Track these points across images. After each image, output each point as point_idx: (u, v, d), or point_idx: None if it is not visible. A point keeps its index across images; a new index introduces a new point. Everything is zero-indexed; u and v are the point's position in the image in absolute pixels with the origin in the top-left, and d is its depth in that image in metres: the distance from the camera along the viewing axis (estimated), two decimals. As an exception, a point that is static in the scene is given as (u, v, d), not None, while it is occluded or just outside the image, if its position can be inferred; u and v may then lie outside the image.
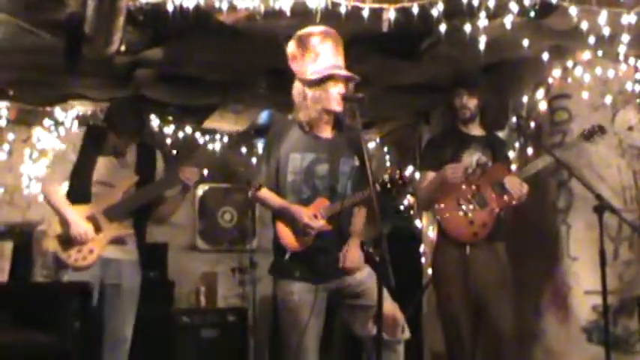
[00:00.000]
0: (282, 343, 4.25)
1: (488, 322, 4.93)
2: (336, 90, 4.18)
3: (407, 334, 4.27)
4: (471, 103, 5.15)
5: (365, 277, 4.25)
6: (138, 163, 5.07)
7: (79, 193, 4.91)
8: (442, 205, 5.04)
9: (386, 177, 4.07)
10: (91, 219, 4.81)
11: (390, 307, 4.14)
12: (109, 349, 4.86)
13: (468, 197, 5.00)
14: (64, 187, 4.96)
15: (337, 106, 4.21)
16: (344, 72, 4.21)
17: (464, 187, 4.99)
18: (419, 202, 5.56)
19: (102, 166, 4.94)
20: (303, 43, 4.24)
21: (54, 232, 4.81)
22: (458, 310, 4.92)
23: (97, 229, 4.81)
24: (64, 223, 4.77)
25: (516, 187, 4.93)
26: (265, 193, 4.28)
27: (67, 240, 4.75)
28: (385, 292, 3.85)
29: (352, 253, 4.24)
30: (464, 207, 4.99)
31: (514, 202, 4.96)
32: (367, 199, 4.05)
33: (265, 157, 4.34)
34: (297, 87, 4.30)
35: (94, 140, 5.00)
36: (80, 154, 4.95)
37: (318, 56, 4.20)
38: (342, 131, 4.35)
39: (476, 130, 5.22)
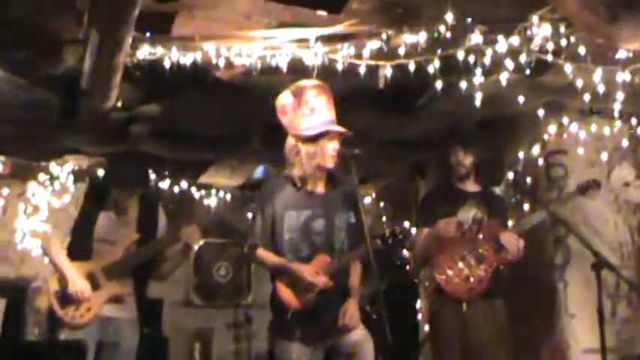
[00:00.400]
0: None
1: None
2: (331, 146, 4.15)
3: None
4: (467, 159, 5.15)
5: (360, 338, 4.18)
6: (139, 220, 5.03)
7: (79, 250, 4.86)
8: (438, 262, 5.02)
9: (387, 232, 4.06)
10: (90, 276, 4.75)
11: None
12: None
13: (465, 253, 4.98)
14: (66, 243, 4.93)
15: (331, 163, 4.19)
16: (339, 128, 4.18)
17: (460, 243, 4.97)
18: (415, 259, 5.53)
19: (103, 222, 4.90)
20: (297, 95, 4.19)
21: (52, 289, 4.75)
22: None
23: (96, 286, 4.75)
24: (63, 279, 4.72)
25: (513, 242, 4.90)
26: (262, 252, 4.24)
27: (65, 297, 4.69)
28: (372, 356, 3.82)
29: (351, 311, 4.18)
30: (460, 263, 4.96)
31: (511, 258, 4.93)
32: (365, 255, 4.02)
33: (260, 216, 4.28)
34: (290, 142, 4.25)
35: (95, 196, 4.98)
36: (81, 210, 4.92)
37: (313, 110, 4.16)
38: (335, 186, 4.32)
39: (471, 186, 5.21)
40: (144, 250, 4.90)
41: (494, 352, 4.88)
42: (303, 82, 4.27)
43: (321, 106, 4.17)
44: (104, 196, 4.96)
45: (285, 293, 4.13)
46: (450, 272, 4.97)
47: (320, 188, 4.29)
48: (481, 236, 4.96)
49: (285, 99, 4.25)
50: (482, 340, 4.85)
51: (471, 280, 4.92)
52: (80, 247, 4.86)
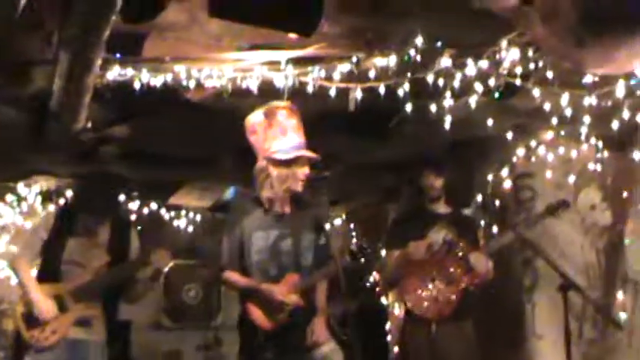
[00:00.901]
0: None
1: None
2: (302, 171, 4.19)
3: None
4: (438, 183, 5.20)
5: (329, 351, 4.19)
6: (110, 243, 5.00)
7: (48, 272, 4.85)
8: (408, 283, 5.04)
9: (354, 247, 4.09)
10: (57, 298, 4.72)
11: None
12: None
13: (434, 275, 5.01)
14: (34, 264, 4.89)
15: (300, 187, 4.21)
16: (311, 154, 4.20)
17: (429, 264, 5.00)
18: (384, 281, 5.55)
19: (73, 244, 4.87)
20: (269, 115, 4.22)
21: (18, 311, 4.71)
22: None
23: (63, 309, 4.72)
24: (29, 301, 4.69)
25: (481, 263, 4.95)
26: (230, 274, 4.25)
27: (31, 319, 4.65)
28: None
29: (319, 329, 4.17)
30: (429, 285, 4.99)
31: (480, 279, 4.97)
32: (334, 274, 4.02)
33: (227, 237, 4.30)
34: (260, 164, 4.25)
35: (64, 221, 4.95)
36: (51, 233, 4.89)
37: (285, 132, 4.18)
38: (301, 208, 4.32)
39: (442, 208, 5.26)
40: (113, 273, 4.87)
41: None
42: (275, 103, 4.30)
43: (293, 128, 4.20)
44: (73, 221, 4.93)
45: (256, 314, 4.12)
46: (418, 294, 4.99)
47: (287, 209, 4.30)
48: (450, 258, 4.99)
49: (256, 118, 4.27)
50: None
51: (440, 301, 4.95)
52: (49, 269, 4.84)
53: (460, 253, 4.99)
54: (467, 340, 5.03)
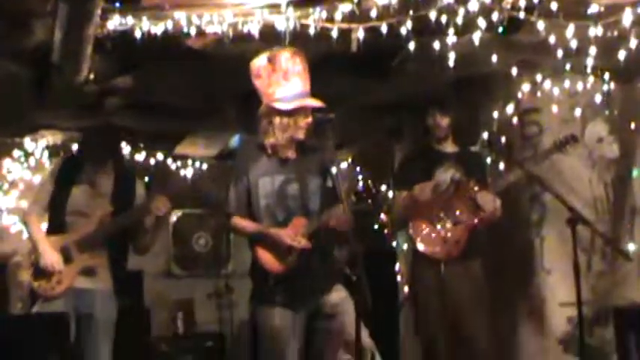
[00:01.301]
0: None
1: (466, 341, 4.94)
2: (305, 121, 4.18)
3: None
4: (444, 121, 5.18)
5: (340, 299, 4.19)
6: (114, 192, 5.02)
7: (55, 224, 4.89)
8: (416, 224, 5.06)
9: (360, 187, 4.10)
10: (63, 250, 4.77)
11: (363, 334, 4.11)
12: None
13: (441, 215, 5.02)
14: (44, 217, 4.94)
15: (303, 135, 4.22)
16: (314, 103, 4.18)
17: (437, 205, 5.01)
18: (392, 222, 5.57)
19: (77, 195, 4.89)
20: (272, 60, 4.19)
21: (27, 263, 4.78)
22: (435, 328, 4.92)
23: (68, 259, 4.77)
24: (36, 253, 4.75)
25: (489, 202, 4.95)
26: (238, 220, 4.28)
27: (39, 270, 4.71)
28: (353, 319, 3.85)
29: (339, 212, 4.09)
30: (437, 225, 5.01)
31: (488, 218, 4.98)
32: (341, 218, 4.03)
33: (234, 184, 4.31)
34: (263, 111, 4.26)
35: (68, 171, 4.97)
36: (55, 185, 4.92)
37: (288, 79, 4.16)
38: (306, 152, 4.33)
39: (449, 147, 5.25)
40: (116, 222, 4.89)
41: (473, 311, 4.95)
42: (280, 48, 4.27)
43: (296, 75, 4.18)
44: (77, 172, 4.95)
45: (266, 258, 4.16)
46: (427, 234, 5.02)
47: (292, 154, 4.31)
48: (458, 197, 5.00)
49: (260, 62, 4.24)
50: (460, 300, 4.92)
51: (448, 241, 4.97)
52: (56, 221, 4.88)
53: (468, 193, 5.00)
54: (475, 278, 5.06)
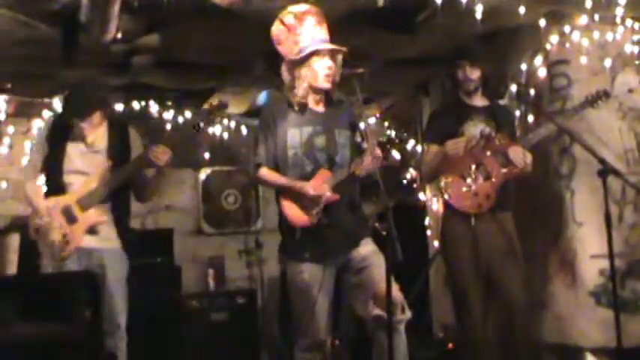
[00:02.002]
0: (294, 322, 4.26)
1: (499, 293, 4.95)
2: (322, 65, 4.20)
3: (408, 315, 4.22)
4: (475, 74, 5.14)
5: (369, 252, 4.23)
6: (109, 147, 4.93)
7: (53, 185, 4.83)
8: (446, 178, 5.06)
9: (383, 138, 4.10)
10: (65, 210, 4.73)
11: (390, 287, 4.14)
12: (105, 337, 4.82)
13: (472, 169, 5.01)
14: (41, 180, 4.90)
15: (325, 82, 4.23)
16: (326, 45, 4.20)
17: (468, 159, 5.00)
18: (422, 176, 5.57)
19: (73, 154, 4.83)
20: (284, 25, 4.26)
21: (33, 228, 4.77)
22: (467, 281, 4.94)
23: (72, 220, 4.73)
24: (39, 217, 4.74)
25: (519, 156, 4.93)
26: (266, 172, 4.30)
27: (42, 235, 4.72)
28: (383, 272, 3.87)
29: (367, 160, 4.13)
30: (468, 179, 5.00)
31: (518, 172, 4.97)
32: (368, 170, 4.05)
33: (262, 136, 4.34)
34: (283, 68, 4.32)
35: (59, 129, 4.90)
36: (48, 145, 4.87)
37: (302, 34, 4.21)
38: (334, 105, 4.36)
39: (479, 100, 5.22)
40: (116, 176, 4.81)
41: (504, 264, 4.95)
42: (291, 9, 4.29)
43: (309, 27, 4.21)
44: (68, 129, 4.88)
45: (292, 212, 4.20)
46: (457, 188, 5.02)
47: (320, 107, 4.34)
48: (489, 151, 4.99)
49: (276, 29, 4.31)
50: (491, 253, 4.93)
51: (479, 195, 4.97)
52: (54, 182, 4.82)
53: (498, 147, 4.98)
54: (507, 232, 5.05)
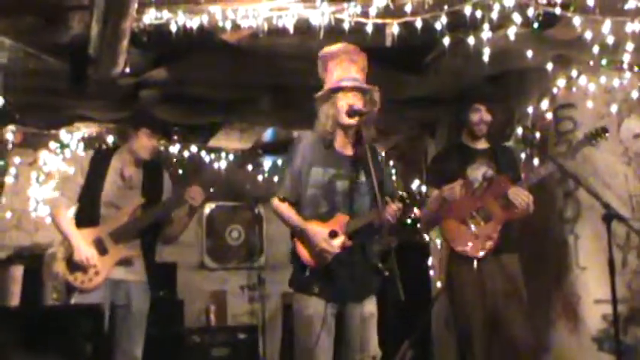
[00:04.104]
0: (296, 353, 4.23)
1: (503, 335, 4.93)
2: (345, 102, 4.19)
3: None
4: (488, 117, 5.14)
5: (370, 313, 4.23)
6: (144, 184, 5.09)
7: (87, 216, 4.94)
8: (447, 222, 5.06)
9: (404, 193, 4.11)
10: (97, 242, 4.84)
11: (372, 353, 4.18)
12: None
13: (473, 212, 5.01)
14: (72, 210, 4.99)
15: (346, 119, 4.21)
16: (348, 82, 4.20)
17: (469, 202, 5.00)
18: (425, 220, 5.55)
19: (109, 188, 4.96)
20: (322, 63, 4.32)
21: (60, 255, 4.83)
22: (471, 323, 4.91)
23: (104, 251, 4.84)
24: (69, 247, 4.80)
25: (520, 197, 4.91)
26: (285, 208, 4.28)
27: (74, 263, 4.77)
28: (373, 339, 3.99)
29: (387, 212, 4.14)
30: (469, 222, 5.00)
31: (520, 214, 4.95)
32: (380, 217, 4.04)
33: (289, 169, 4.33)
34: (315, 103, 4.32)
35: (99, 163, 5.02)
36: (88, 176, 4.97)
37: (332, 73, 4.25)
38: (361, 149, 4.27)
39: (482, 143, 5.22)
40: (149, 213, 4.97)
41: (509, 306, 4.93)
42: (327, 49, 4.34)
43: (340, 66, 4.24)
44: (107, 163, 5.01)
45: (303, 253, 4.19)
46: (458, 231, 5.01)
47: (348, 150, 4.34)
48: (490, 194, 4.98)
49: (320, 60, 4.34)
50: (496, 295, 4.91)
51: (479, 237, 4.96)
52: (88, 213, 4.93)
53: (500, 189, 4.98)
54: (511, 273, 5.03)
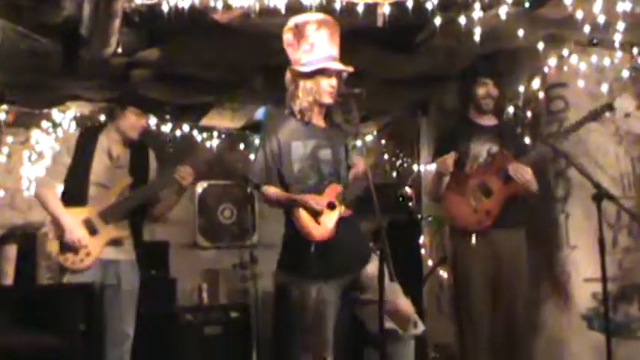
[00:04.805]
0: (297, 336, 4.21)
1: (500, 310, 5.02)
2: (328, 83, 4.16)
3: (420, 329, 4.21)
4: (495, 92, 5.19)
5: (374, 270, 4.20)
6: (132, 163, 5.10)
7: (75, 196, 4.94)
8: (449, 197, 5.14)
9: (403, 192, 4.14)
10: (87, 222, 4.86)
11: (402, 302, 4.11)
12: (112, 348, 4.90)
13: (474, 187, 5.07)
14: (59, 189, 4.99)
15: (328, 99, 4.20)
16: (336, 65, 4.16)
17: (472, 177, 5.08)
18: (427, 195, 5.64)
19: (97, 167, 4.97)
20: (299, 30, 4.19)
21: (50, 236, 4.86)
22: (473, 297, 5.03)
23: (94, 231, 4.86)
24: (59, 227, 4.82)
25: (521, 173, 4.96)
26: (268, 189, 4.20)
27: (65, 244, 4.79)
28: (398, 288, 3.93)
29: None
30: (470, 197, 5.06)
31: (520, 189, 5.02)
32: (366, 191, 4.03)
33: (262, 151, 4.25)
34: (288, 76, 4.25)
35: (86, 142, 5.03)
36: (75, 155, 4.98)
37: (313, 46, 4.16)
38: (333, 124, 4.32)
39: (488, 119, 5.27)
40: (139, 193, 4.99)
41: (508, 282, 5.04)
42: (306, 16, 4.27)
43: (322, 41, 4.17)
44: (94, 142, 5.02)
45: (307, 223, 4.09)
46: (459, 205, 5.08)
47: (320, 122, 4.30)
48: (492, 169, 5.05)
49: (287, 33, 4.25)
50: (496, 271, 5.00)
51: (479, 211, 5.03)
52: (76, 192, 4.94)
53: (502, 165, 5.03)
54: (511, 248, 5.12)
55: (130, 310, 4.99)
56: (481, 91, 5.22)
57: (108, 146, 5.04)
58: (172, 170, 4.94)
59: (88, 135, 5.11)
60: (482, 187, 5.10)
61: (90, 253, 4.81)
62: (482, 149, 5.17)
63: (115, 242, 4.92)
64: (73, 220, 4.82)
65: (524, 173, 4.96)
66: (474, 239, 5.05)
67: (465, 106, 5.40)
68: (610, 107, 5.08)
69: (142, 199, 5.01)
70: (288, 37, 4.25)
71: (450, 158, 5.00)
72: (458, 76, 6.06)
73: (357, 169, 4.27)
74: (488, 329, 5.08)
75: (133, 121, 5.06)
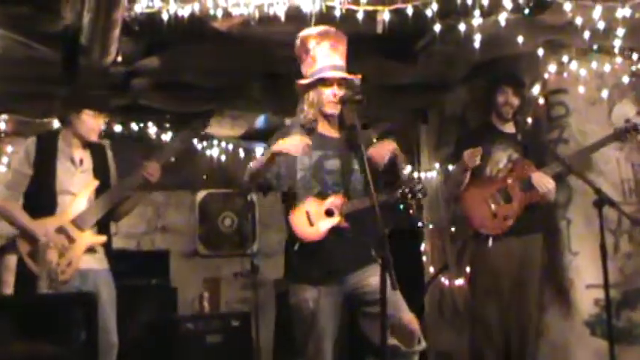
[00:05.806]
0: (296, 346, 4.20)
1: (510, 314, 5.13)
2: (330, 92, 4.15)
3: (423, 345, 4.19)
4: (515, 101, 5.24)
5: (378, 283, 4.18)
6: (94, 166, 4.97)
7: (42, 206, 4.79)
8: (468, 199, 5.21)
9: (406, 188, 4.13)
10: (61, 231, 4.74)
11: (407, 317, 4.08)
12: (101, 358, 4.82)
13: (494, 192, 5.11)
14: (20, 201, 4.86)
15: (332, 109, 4.19)
16: (333, 73, 4.15)
17: (491, 183, 5.20)
18: (449, 195, 5.71)
19: (61, 174, 4.82)
20: (303, 45, 4.21)
21: (23, 250, 4.74)
22: (485, 303, 5.08)
23: (70, 240, 4.74)
24: (32, 241, 4.71)
25: (542, 183, 5.03)
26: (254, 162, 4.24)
27: (38, 256, 4.68)
28: (402, 302, 3.96)
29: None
30: (489, 201, 5.10)
31: (540, 198, 5.07)
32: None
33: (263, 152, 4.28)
34: (296, 90, 4.26)
35: (45, 150, 4.88)
36: (35, 164, 4.83)
37: (315, 59, 4.17)
38: (346, 130, 4.29)
39: (509, 127, 5.33)
40: (109, 195, 4.88)
41: (521, 288, 5.11)
42: (308, 31, 4.26)
43: (322, 52, 4.16)
44: (54, 149, 4.89)
45: (301, 223, 4.11)
46: (478, 209, 5.12)
47: (333, 133, 4.29)
48: (513, 175, 5.10)
49: (296, 47, 4.27)
50: (511, 276, 5.07)
51: (497, 216, 5.10)
52: (43, 202, 4.80)
53: (524, 172, 5.09)
54: (529, 254, 5.24)
55: (111, 319, 4.85)
56: (501, 98, 5.31)
57: (69, 151, 4.89)
58: (140, 168, 4.86)
59: (45, 143, 4.93)
60: (502, 192, 5.20)
61: (71, 263, 4.71)
62: (503, 155, 5.28)
63: (91, 250, 4.82)
64: (48, 230, 4.70)
65: (546, 183, 5.04)
66: (490, 243, 5.14)
67: (487, 112, 5.45)
68: (636, 128, 5.11)
69: (115, 201, 4.90)
70: (297, 53, 4.28)
71: (477, 152, 5.03)
72: (465, 79, 6.08)
73: (386, 146, 4.26)
74: (500, 334, 5.11)
75: (90, 124, 4.90)
